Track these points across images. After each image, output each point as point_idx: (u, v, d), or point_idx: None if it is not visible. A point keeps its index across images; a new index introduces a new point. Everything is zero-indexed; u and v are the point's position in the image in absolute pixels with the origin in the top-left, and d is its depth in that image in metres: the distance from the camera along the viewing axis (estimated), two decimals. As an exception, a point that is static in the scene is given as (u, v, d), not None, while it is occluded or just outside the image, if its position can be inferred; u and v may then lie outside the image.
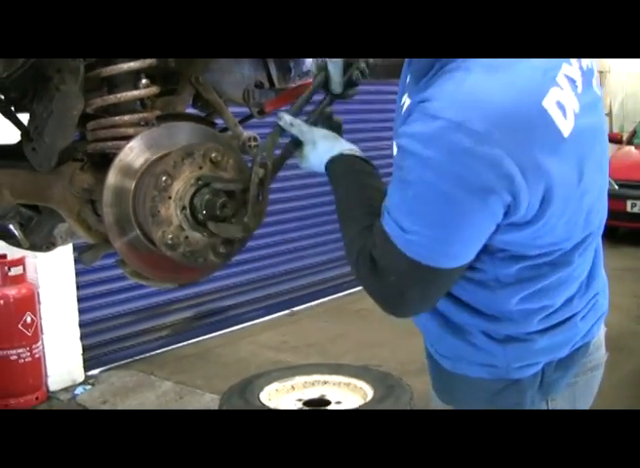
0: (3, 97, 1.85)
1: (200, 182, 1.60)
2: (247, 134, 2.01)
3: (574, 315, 1.57)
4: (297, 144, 1.65)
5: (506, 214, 1.31)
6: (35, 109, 1.71)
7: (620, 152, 10.31)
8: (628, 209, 9.00)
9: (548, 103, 1.29)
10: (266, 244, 6.19)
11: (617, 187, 9.01)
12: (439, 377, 1.71)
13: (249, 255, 5.92)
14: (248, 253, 5.78)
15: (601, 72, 13.08)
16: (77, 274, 4.72)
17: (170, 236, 1.57)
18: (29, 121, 1.73)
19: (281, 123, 1.64)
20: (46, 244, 2.00)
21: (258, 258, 6.16)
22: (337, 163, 1.58)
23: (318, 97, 1.75)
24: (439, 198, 1.28)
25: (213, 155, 1.62)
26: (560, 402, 1.60)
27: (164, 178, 1.55)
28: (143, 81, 1.72)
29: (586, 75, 1.43)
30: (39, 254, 3.83)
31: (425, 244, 1.32)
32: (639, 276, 7.83)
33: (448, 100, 1.27)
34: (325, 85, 1.73)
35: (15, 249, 3.93)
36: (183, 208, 1.59)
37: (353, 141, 1.65)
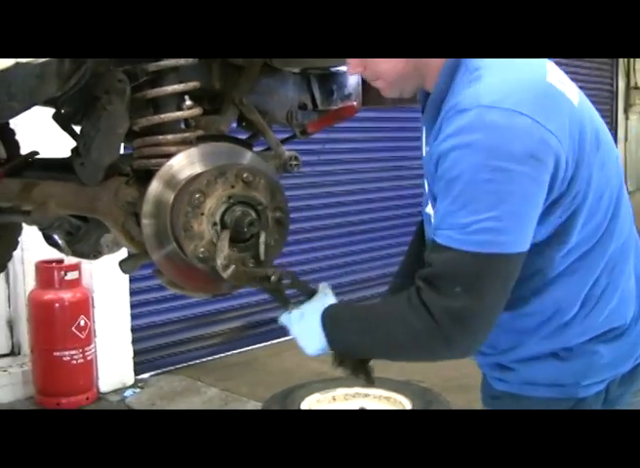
0: (63, 111, 1.97)
1: (231, 201, 1.68)
2: (289, 153, 2.09)
3: (633, 322, 1.59)
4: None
5: (553, 179, 1.37)
6: (84, 127, 1.82)
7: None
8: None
9: (552, 79, 1.44)
10: (315, 258, 6.27)
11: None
12: (496, 401, 1.70)
13: (297, 269, 6.00)
14: (296, 266, 5.87)
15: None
16: (131, 280, 4.83)
17: (202, 250, 1.65)
18: (79, 138, 1.85)
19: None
20: (93, 252, 2.11)
21: (308, 272, 6.22)
22: (331, 308, 1.61)
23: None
24: (488, 176, 1.33)
25: (245, 175, 1.70)
26: None
27: (197, 196, 1.64)
28: (187, 102, 1.82)
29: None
30: (95, 260, 3.96)
31: (487, 228, 1.34)
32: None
33: (473, 96, 1.37)
34: None
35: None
36: (215, 224, 1.67)
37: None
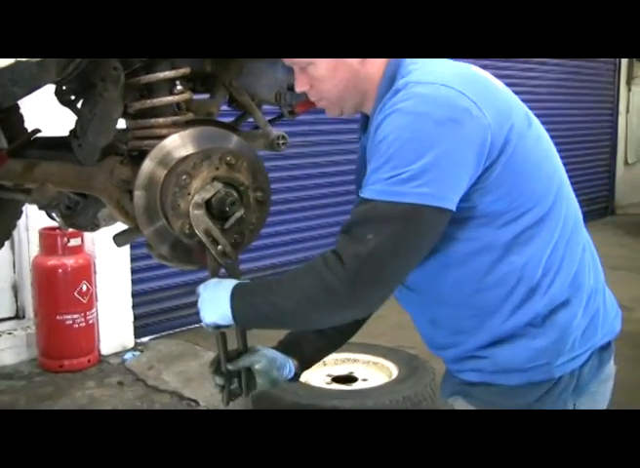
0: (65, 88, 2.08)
1: (215, 182, 1.81)
2: (276, 132, 2.21)
3: (596, 291, 1.68)
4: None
5: (480, 147, 1.46)
6: (81, 111, 1.94)
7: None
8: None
9: (478, 70, 1.61)
10: (298, 228, 6.35)
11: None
12: (469, 392, 1.70)
13: (289, 238, 6.17)
14: (278, 237, 6.01)
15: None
16: (131, 247, 4.91)
17: (187, 226, 1.78)
18: (76, 121, 1.96)
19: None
20: (91, 225, 2.25)
21: (289, 242, 6.32)
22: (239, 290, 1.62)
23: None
24: (411, 135, 1.43)
25: (228, 158, 1.83)
26: (582, 408, 1.67)
27: (184, 177, 1.77)
28: (178, 87, 1.93)
29: None
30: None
31: (406, 179, 1.41)
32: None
33: (412, 83, 1.50)
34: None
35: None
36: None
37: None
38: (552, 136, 1.69)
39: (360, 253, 1.42)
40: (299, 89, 1.70)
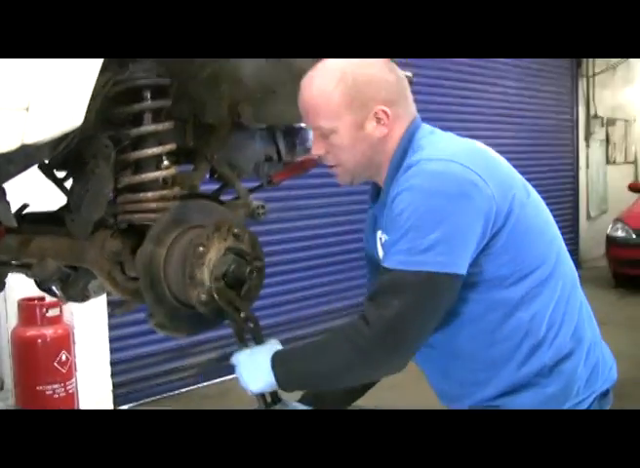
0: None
1: (228, 253, 1.92)
2: (256, 202, 2.33)
3: (595, 343, 1.84)
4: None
5: (486, 218, 1.62)
6: (74, 187, 2.04)
7: (640, 201, 10.50)
8: (647, 257, 9.14)
9: (480, 146, 1.78)
10: (285, 290, 6.49)
11: (634, 236, 9.27)
12: None
13: (269, 301, 6.22)
14: (267, 298, 6.08)
15: (626, 121, 13.30)
16: (109, 316, 5.01)
17: (203, 295, 1.89)
18: (69, 196, 2.06)
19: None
20: (81, 296, 2.33)
21: (278, 304, 6.44)
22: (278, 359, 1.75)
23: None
24: (426, 210, 1.60)
25: (235, 230, 1.95)
26: None
27: (200, 249, 1.88)
28: (165, 163, 2.03)
29: None
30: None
31: (424, 250, 1.58)
32: (657, 324, 7.92)
33: (422, 158, 1.68)
34: None
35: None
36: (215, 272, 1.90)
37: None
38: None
39: (385, 315, 1.59)
40: (315, 152, 1.83)
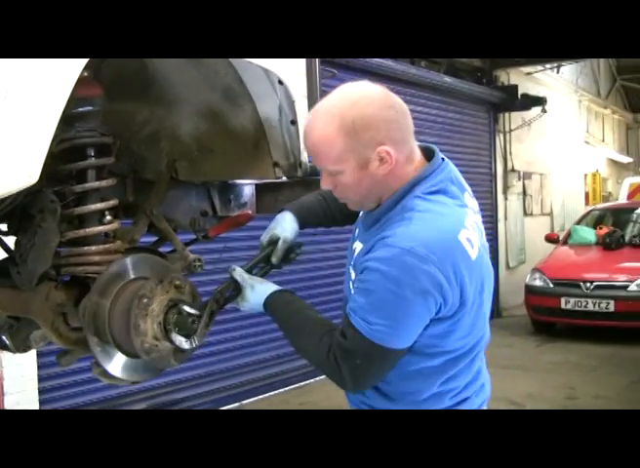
0: None
1: (170, 303, 2.01)
2: (193, 256, 2.43)
3: (471, 395, 2.03)
4: (238, 289, 2.06)
5: (438, 311, 1.81)
6: (21, 240, 2.09)
7: (556, 252, 10.88)
8: (562, 305, 9.47)
9: (461, 238, 1.84)
10: (217, 340, 6.55)
11: (551, 285, 9.62)
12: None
13: (200, 351, 6.25)
14: (199, 349, 6.09)
15: (542, 174, 13.79)
16: (39, 367, 5.01)
17: (147, 345, 1.97)
18: (15, 249, 2.12)
19: (232, 273, 2.06)
20: (22, 346, 2.38)
21: (209, 354, 6.49)
22: (275, 298, 2.03)
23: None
24: (395, 299, 1.77)
25: (177, 282, 2.05)
26: None
27: (145, 301, 1.97)
28: (107, 218, 2.12)
29: (479, 227, 1.98)
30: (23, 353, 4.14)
31: (385, 331, 1.79)
32: (573, 368, 8.20)
33: (400, 236, 1.80)
34: (268, 258, 2.18)
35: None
36: (159, 323, 1.99)
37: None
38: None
39: (353, 373, 1.86)
40: (323, 187, 1.96)
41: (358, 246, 2.00)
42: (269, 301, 2.02)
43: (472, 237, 1.86)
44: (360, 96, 1.85)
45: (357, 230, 2.08)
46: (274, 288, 2.05)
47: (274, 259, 2.18)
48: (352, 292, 1.93)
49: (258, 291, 2.04)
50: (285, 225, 2.21)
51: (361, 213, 2.10)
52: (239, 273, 2.06)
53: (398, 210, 1.88)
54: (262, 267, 2.17)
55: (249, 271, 2.09)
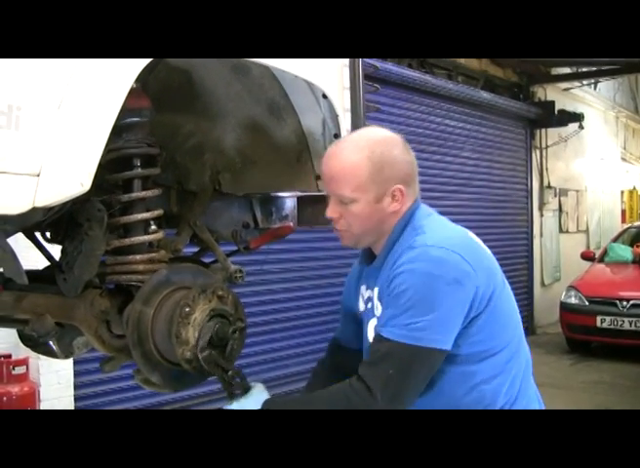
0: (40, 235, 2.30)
1: (212, 313, 2.03)
2: (234, 267, 2.45)
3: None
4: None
5: (472, 303, 1.82)
6: (67, 247, 2.13)
7: (592, 269, 10.79)
8: (598, 324, 9.38)
9: (471, 235, 1.97)
10: (247, 353, 6.53)
11: (587, 303, 9.54)
12: None
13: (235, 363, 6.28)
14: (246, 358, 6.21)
15: (578, 191, 13.69)
16: (75, 375, 5.07)
17: (188, 353, 1.99)
18: (61, 256, 2.16)
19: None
20: (66, 353, 2.42)
21: (242, 366, 6.50)
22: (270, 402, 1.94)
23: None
24: (429, 292, 1.79)
25: (219, 293, 2.07)
26: None
27: (187, 309, 1.99)
28: (152, 227, 2.15)
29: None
30: (42, 356, 4.18)
31: (421, 327, 1.77)
32: (608, 388, 8.10)
33: (421, 240, 1.87)
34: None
35: (19, 349, 4.33)
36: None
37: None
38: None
39: (386, 385, 1.78)
40: (329, 215, 1.98)
41: (374, 291, 2.00)
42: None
43: (476, 238, 1.98)
44: (387, 136, 1.97)
45: (361, 276, 2.12)
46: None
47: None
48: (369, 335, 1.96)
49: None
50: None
51: (356, 267, 2.16)
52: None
53: (406, 235, 1.94)
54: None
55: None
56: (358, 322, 2.12)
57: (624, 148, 17.19)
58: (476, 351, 1.89)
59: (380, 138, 1.95)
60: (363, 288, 2.09)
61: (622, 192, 17.31)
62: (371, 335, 1.97)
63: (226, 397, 2.00)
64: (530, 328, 11.60)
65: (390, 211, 1.94)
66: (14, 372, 4.65)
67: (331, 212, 1.97)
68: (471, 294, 1.82)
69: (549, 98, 12.16)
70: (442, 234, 1.91)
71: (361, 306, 2.09)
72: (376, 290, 1.99)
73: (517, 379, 1.97)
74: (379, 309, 1.96)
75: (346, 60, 2.37)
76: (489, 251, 1.99)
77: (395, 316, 1.81)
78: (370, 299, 2.03)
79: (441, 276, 1.80)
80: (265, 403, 1.92)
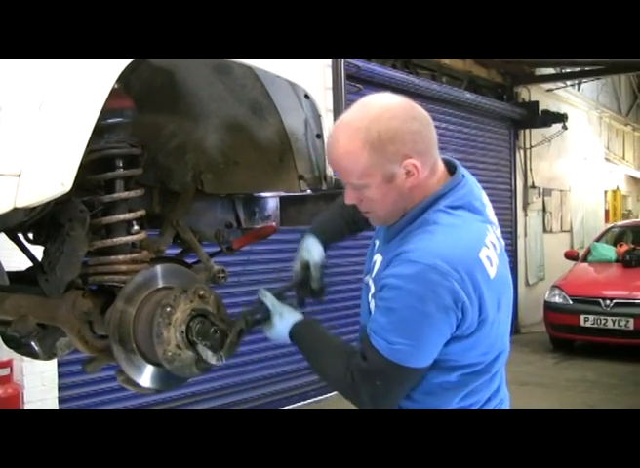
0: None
1: (194, 313, 2.04)
2: (217, 267, 2.45)
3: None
4: (267, 315, 2.05)
5: (457, 327, 1.80)
6: (49, 248, 2.13)
7: (576, 269, 10.84)
8: (582, 323, 9.42)
9: (482, 256, 1.83)
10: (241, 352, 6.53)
11: (570, 302, 9.59)
12: None
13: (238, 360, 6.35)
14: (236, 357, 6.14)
15: (562, 191, 13.75)
16: (59, 376, 5.05)
17: (169, 353, 2.00)
18: (43, 257, 2.15)
19: (263, 298, 2.06)
20: (48, 354, 2.41)
21: (227, 367, 6.46)
22: (300, 326, 2.02)
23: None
24: (417, 316, 1.76)
25: (201, 292, 2.08)
26: None
27: (168, 309, 2.00)
28: (135, 228, 2.16)
29: (499, 242, 1.96)
30: (26, 358, 4.17)
31: (407, 350, 1.78)
32: (592, 386, 8.14)
33: (423, 251, 1.78)
34: (301, 283, 2.19)
35: (2, 351, 4.30)
36: (181, 332, 2.02)
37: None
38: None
39: (372, 394, 1.84)
40: (347, 201, 1.92)
41: (378, 258, 1.98)
42: (295, 329, 2.02)
43: (492, 255, 1.85)
44: (384, 108, 1.81)
45: (377, 242, 2.06)
46: (301, 317, 2.05)
47: (315, 284, 2.19)
48: (371, 307, 1.93)
49: (285, 318, 2.03)
50: (311, 249, 2.20)
51: (374, 237, 2.11)
52: (270, 299, 2.05)
53: (420, 223, 1.85)
54: (299, 295, 2.19)
55: (279, 296, 2.08)
56: None
57: (608, 148, 17.28)
58: (448, 360, 1.89)
59: (375, 114, 1.79)
60: (377, 256, 2.02)
61: (606, 192, 17.41)
62: (367, 291, 2.01)
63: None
64: (514, 327, 11.64)
65: (408, 186, 1.83)
66: (-3, 375, 4.62)
67: (349, 198, 1.91)
68: (458, 321, 1.80)
69: (533, 99, 12.21)
70: (448, 251, 1.78)
71: (374, 273, 2.00)
72: (379, 259, 1.97)
73: (473, 396, 1.97)
74: (371, 286, 1.97)
75: (329, 61, 2.39)
76: (497, 270, 1.86)
77: (384, 329, 1.81)
78: (373, 262, 2.02)
79: (433, 301, 1.75)
80: (296, 325, 2.01)
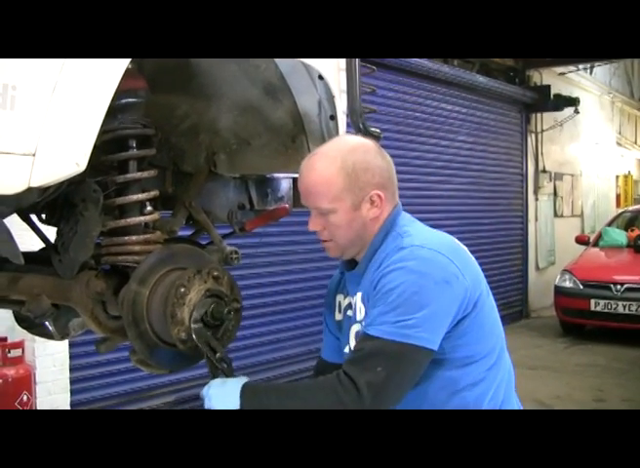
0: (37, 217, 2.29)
1: (208, 293, 2.03)
2: (229, 248, 2.46)
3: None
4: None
5: (460, 305, 1.83)
6: (62, 229, 2.13)
7: (587, 253, 10.83)
8: (592, 307, 9.42)
9: (456, 240, 1.96)
10: (244, 336, 6.53)
11: (581, 287, 9.57)
12: None
13: (230, 346, 6.28)
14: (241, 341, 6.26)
15: (573, 175, 13.70)
16: (70, 358, 5.08)
17: (183, 334, 2.00)
18: (57, 238, 2.15)
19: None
20: (62, 334, 2.42)
21: (237, 349, 6.49)
22: (252, 384, 1.88)
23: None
24: (418, 289, 1.79)
25: (215, 273, 2.07)
26: None
27: (182, 290, 1.99)
28: (148, 208, 2.15)
29: None
30: (37, 339, 4.17)
31: (410, 325, 1.76)
32: (601, 371, 8.15)
33: (410, 240, 1.89)
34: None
35: (14, 332, 4.33)
36: (203, 314, 2.01)
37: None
38: (467, 244, 2.06)
39: (372, 382, 1.75)
40: (311, 228, 1.98)
41: (356, 296, 1.99)
42: (246, 392, 1.85)
43: (465, 248, 1.98)
44: (358, 144, 1.98)
45: (339, 285, 2.13)
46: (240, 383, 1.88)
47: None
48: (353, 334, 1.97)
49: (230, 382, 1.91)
50: None
51: (336, 276, 2.16)
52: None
53: (392, 238, 1.94)
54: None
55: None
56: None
57: (619, 133, 17.19)
58: (460, 356, 1.89)
59: (350, 147, 1.96)
60: (340, 297, 2.10)
61: (617, 177, 17.33)
62: (352, 342, 1.98)
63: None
64: (524, 311, 11.65)
65: (371, 217, 1.95)
66: (9, 355, 4.64)
67: (313, 225, 1.98)
68: (459, 296, 1.83)
69: (545, 83, 12.14)
70: (429, 237, 1.93)
71: (337, 316, 2.10)
72: (358, 294, 1.98)
73: (500, 389, 1.98)
74: (362, 312, 1.95)
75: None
76: (473, 258, 1.98)
77: (384, 313, 1.80)
78: (350, 306, 2.04)
79: (430, 275, 1.81)
80: (246, 385, 1.85)
